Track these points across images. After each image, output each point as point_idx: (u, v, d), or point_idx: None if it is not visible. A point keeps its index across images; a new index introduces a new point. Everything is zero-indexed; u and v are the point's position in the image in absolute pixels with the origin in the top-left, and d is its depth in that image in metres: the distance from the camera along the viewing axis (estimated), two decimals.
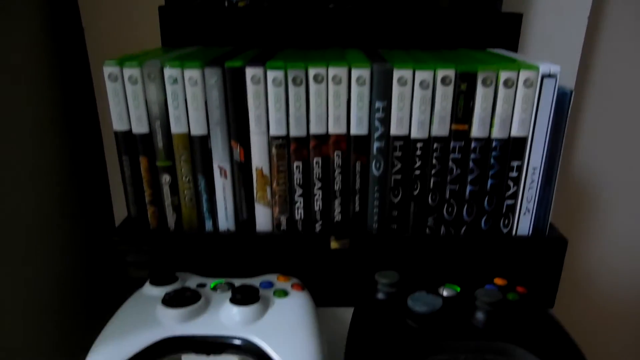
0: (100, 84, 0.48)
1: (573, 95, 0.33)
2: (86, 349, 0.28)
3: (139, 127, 0.33)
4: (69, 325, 0.45)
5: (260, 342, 0.27)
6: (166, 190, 0.35)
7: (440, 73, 0.32)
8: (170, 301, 0.29)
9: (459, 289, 0.31)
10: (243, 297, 0.29)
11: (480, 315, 0.29)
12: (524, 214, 0.35)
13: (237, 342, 0.28)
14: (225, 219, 0.35)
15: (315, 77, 0.32)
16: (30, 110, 0.39)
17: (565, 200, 0.62)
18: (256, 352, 0.27)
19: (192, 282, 0.32)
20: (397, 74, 0.32)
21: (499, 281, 0.33)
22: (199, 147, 0.34)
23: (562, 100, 0.33)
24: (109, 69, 0.32)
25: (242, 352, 0.28)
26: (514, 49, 0.41)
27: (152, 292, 0.31)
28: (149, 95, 0.33)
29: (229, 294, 0.30)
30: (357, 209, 0.35)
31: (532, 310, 0.30)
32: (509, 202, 0.35)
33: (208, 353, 0.28)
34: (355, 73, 0.32)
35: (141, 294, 0.31)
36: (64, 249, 0.44)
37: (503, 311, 0.29)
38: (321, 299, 0.33)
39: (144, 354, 0.27)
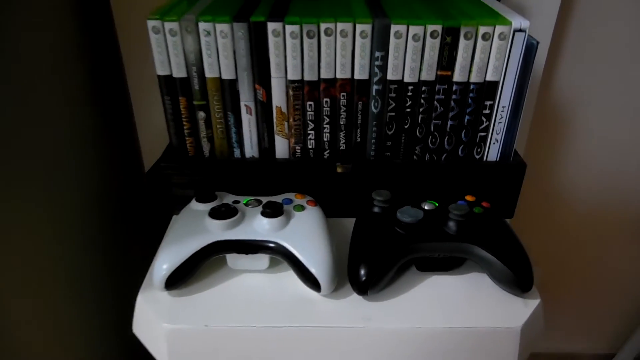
0: (124, 34, 0.53)
1: (539, 46, 0.40)
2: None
3: (178, 72, 0.40)
4: (116, 241, 0.54)
5: (286, 244, 0.36)
6: (201, 124, 0.42)
7: (430, 28, 0.38)
8: (215, 214, 0.37)
9: (437, 204, 0.40)
10: (271, 211, 0.37)
11: (451, 224, 0.38)
12: (494, 143, 0.43)
13: (268, 244, 0.37)
14: (250, 148, 0.43)
15: (326, 31, 0.38)
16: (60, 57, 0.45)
17: (540, 131, 0.70)
18: (283, 252, 0.37)
19: (228, 199, 0.40)
20: (393, 28, 0.38)
21: (469, 198, 0.41)
22: (229, 89, 0.41)
23: (530, 50, 0.40)
24: (152, 23, 0.38)
25: (273, 252, 0.37)
26: None
27: (198, 207, 0.40)
28: (186, 46, 0.39)
29: (259, 209, 0.38)
30: (358, 139, 0.43)
31: (492, 220, 0.39)
32: (482, 134, 0.43)
33: (247, 253, 0.37)
34: (359, 28, 0.38)
35: (189, 209, 0.40)
36: (105, 179, 0.52)
37: (469, 221, 0.38)
38: (330, 212, 0.42)
39: (198, 254, 0.36)
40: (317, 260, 0.35)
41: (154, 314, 0.35)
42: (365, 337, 0.35)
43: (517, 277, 0.36)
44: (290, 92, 0.41)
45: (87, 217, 0.48)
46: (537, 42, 0.40)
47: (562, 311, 1.00)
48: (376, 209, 0.39)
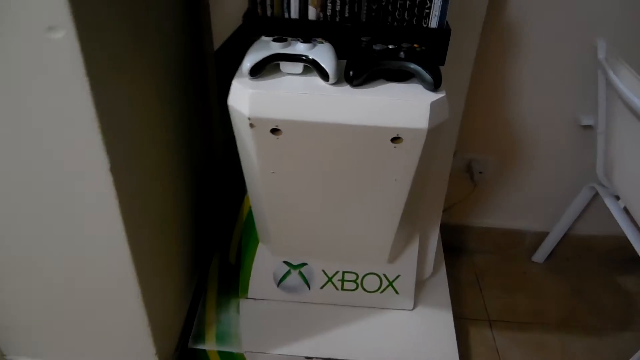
0: None
1: None
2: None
3: None
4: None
5: (311, 56, 0.69)
6: None
7: None
8: (275, 40, 0.71)
9: (397, 45, 0.73)
10: (305, 40, 0.70)
11: (402, 53, 0.70)
12: (434, 17, 0.75)
13: (302, 57, 0.70)
14: (294, 13, 0.76)
15: None
16: None
17: (496, 38, 1.01)
18: (310, 61, 0.70)
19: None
20: None
21: (416, 45, 0.74)
22: None
23: None
24: None
25: (305, 61, 0.70)
26: None
27: (266, 39, 0.73)
28: None
29: (299, 40, 0.71)
30: (355, 10, 0.75)
31: (426, 55, 0.72)
32: (427, 11, 0.75)
33: (291, 61, 0.70)
34: None
35: (261, 40, 0.73)
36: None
37: (412, 53, 0.70)
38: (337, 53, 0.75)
39: (266, 59, 0.70)
40: (327, 62, 0.69)
41: (242, 85, 0.69)
42: (348, 103, 0.68)
43: (434, 80, 0.69)
44: None
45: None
46: None
47: (510, 194, 1.32)
48: (363, 45, 0.72)
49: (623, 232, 1.05)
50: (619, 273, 1.37)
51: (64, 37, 0.58)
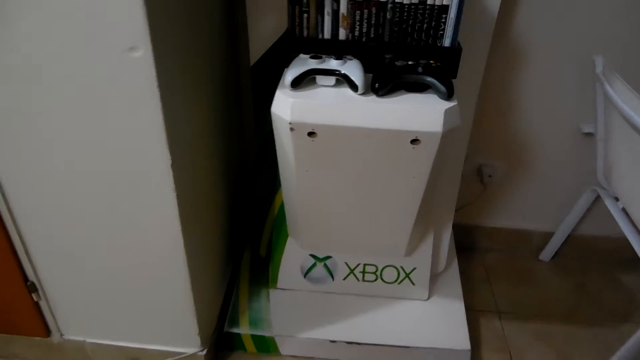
0: None
1: None
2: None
3: None
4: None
5: (343, 70, 0.82)
6: (304, 19, 0.87)
7: None
8: (312, 57, 0.83)
9: (415, 61, 0.85)
10: (338, 57, 0.83)
11: (420, 68, 0.82)
12: (447, 38, 0.87)
13: (335, 71, 0.82)
14: (327, 34, 0.88)
15: None
16: None
17: (503, 55, 1.13)
18: (342, 75, 0.82)
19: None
20: None
21: (432, 62, 0.86)
22: (319, 2, 0.86)
23: None
24: None
25: (337, 75, 0.82)
26: None
27: (304, 57, 0.85)
28: None
29: (333, 57, 0.84)
30: (380, 31, 0.88)
31: (441, 70, 0.84)
32: (441, 32, 0.87)
33: (325, 75, 0.83)
34: None
35: (300, 57, 0.86)
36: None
37: (428, 68, 0.83)
38: (365, 68, 0.87)
39: (305, 73, 0.82)
40: (357, 76, 0.81)
41: (284, 95, 0.81)
42: (374, 110, 0.81)
43: (447, 91, 0.81)
44: (349, 6, 0.85)
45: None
46: None
47: (518, 196, 1.43)
48: (386, 61, 0.85)
49: (623, 233, 1.15)
50: (621, 271, 1.46)
51: (142, 56, 0.71)
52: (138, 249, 0.93)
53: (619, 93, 1.05)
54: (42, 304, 1.04)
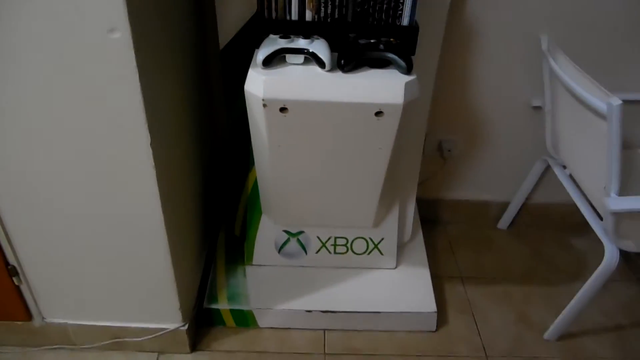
0: None
1: None
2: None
3: None
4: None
5: (311, 49, 0.88)
6: (272, 3, 0.93)
7: None
8: (282, 37, 0.88)
9: (377, 39, 0.91)
10: (305, 37, 0.88)
11: (381, 45, 0.89)
12: (405, 17, 0.94)
13: (304, 50, 0.88)
14: (295, 15, 0.94)
15: None
16: None
17: (458, 34, 1.21)
18: (310, 53, 0.88)
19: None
20: None
21: (392, 39, 0.93)
22: None
23: None
24: None
25: (305, 53, 0.88)
26: None
27: (274, 37, 0.90)
28: None
29: (300, 37, 0.89)
30: (344, 12, 0.94)
31: (400, 47, 0.91)
32: (400, 12, 0.94)
33: (294, 54, 0.88)
34: None
35: (270, 37, 0.91)
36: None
37: (389, 45, 0.89)
38: (331, 46, 0.93)
39: (275, 52, 0.87)
40: (324, 54, 0.87)
41: (257, 74, 0.87)
42: (340, 85, 0.87)
43: (407, 66, 0.88)
44: None
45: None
46: None
47: (475, 169, 1.52)
48: (350, 40, 0.91)
49: (572, 199, 1.25)
50: (572, 235, 1.58)
51: (121, 37, 0.75)
52: (119, 228, 0.97)
53: (562, 67, 1.14)
54: (23, 287, 1.06)
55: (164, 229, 0.96)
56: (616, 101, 0.91)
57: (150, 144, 0.86)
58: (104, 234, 0.97)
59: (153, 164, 0.88)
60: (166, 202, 0.94)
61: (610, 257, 1.08)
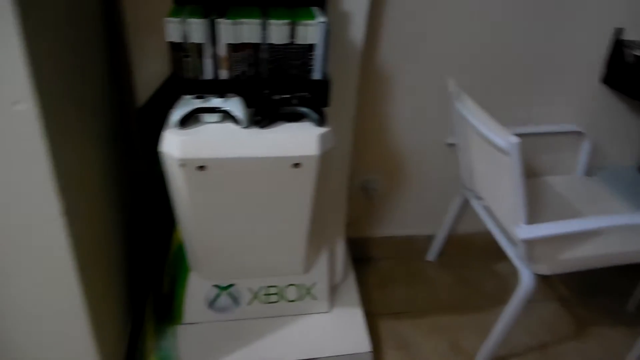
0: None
1: (328, 24, 0.95)
2: None
3: (178, 39, 0.92)
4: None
5: (227, 108, 0.89)
6: (189, 63, 0.94)
7: (284, 22, 0.93)
8: (196, 97, 0.90)
9: (290, 95, 0.94)
10: (221, 96, 0.90)
11: (294, 101, 0.92)
12: (317, 72, 0.98)
13: (219, 109, 0.90)
14: (209, 75, 0.95)
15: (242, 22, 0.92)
16: None
17: (373, 82, 1.27)
18: (225, 112, 0.89)
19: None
20: (271, 22, 0.92)
21: (305, 93, 0.96)
22: (197, 52, 0.93)
23: (327, 31, 0.95)
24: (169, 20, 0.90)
25: (221, 112, 0.90)
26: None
27: (188, 97, 0.91)
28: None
29: (215, 97, 0.91)
30: (258, 70, 0.96)
31: (313, 101, 0.94)
32: (310, 67, 0.98)
33: (210, 113, 0.90)
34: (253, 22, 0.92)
35: (184, 98, 0.92)
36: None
37: (302, 100, 0.93)
38: (246, 103, 0.95)
39: (191, 112, 0.88)
40: (239, 111, 0.89)
41: (172, 135, 0.87)
42: (257, 141, 0.89)
43: (320, 119, 0.91)
44: (227, 49, 0.93)
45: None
46: (328, 23, 0.95)
47: (401, 206, 1.57)
48: (265, 96, 0.93)
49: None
50: (495, 261, 1.66)
51: (26, 109, 0.73)
52: (33, 304, 0.92)
53: (467, 108, 1.23)
54: None
55: (83, 305, 0.92)
56: (515, 139, 0.99)
57: (64, 213, 0.83)
58: (18, 312, 0.91)
59: (66, 233, 0.85)
60: (85, 274, 0.91)
61: (526, 281, 1.15)
